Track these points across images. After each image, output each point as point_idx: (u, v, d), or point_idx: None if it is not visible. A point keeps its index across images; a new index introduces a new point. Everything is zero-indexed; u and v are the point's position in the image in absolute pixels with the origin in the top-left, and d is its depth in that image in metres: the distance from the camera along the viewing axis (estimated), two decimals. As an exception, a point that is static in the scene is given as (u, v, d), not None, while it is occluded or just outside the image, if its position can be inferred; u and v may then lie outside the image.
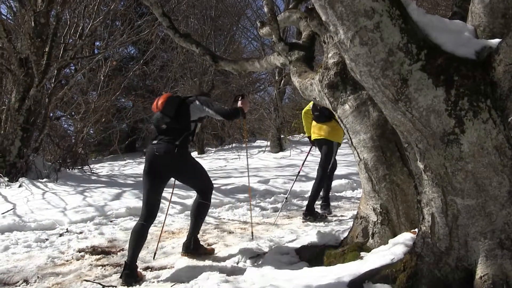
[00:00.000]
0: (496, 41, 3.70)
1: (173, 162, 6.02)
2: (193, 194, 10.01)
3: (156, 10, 8.04)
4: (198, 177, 6.37)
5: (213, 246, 6.80)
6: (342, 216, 8.86)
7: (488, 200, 3.66)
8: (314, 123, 9.13)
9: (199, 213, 6.39)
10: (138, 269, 5.64)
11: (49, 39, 13.73)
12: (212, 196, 6.54)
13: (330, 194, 9.47)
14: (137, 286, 5.31)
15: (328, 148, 8.79)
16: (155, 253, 6.38)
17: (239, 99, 6.73)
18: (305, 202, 9.35)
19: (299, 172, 10.22)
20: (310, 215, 8.47)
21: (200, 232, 6.65)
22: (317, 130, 9.06)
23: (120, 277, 5.52)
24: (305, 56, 6.65)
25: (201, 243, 6.57)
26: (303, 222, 8.42)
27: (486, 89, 3.59)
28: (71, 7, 15.65)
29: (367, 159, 5.42)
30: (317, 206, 8.99)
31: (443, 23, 3.94)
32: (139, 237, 5.76)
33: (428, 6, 18.68)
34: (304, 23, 7.06)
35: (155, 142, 6.08)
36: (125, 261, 5.64)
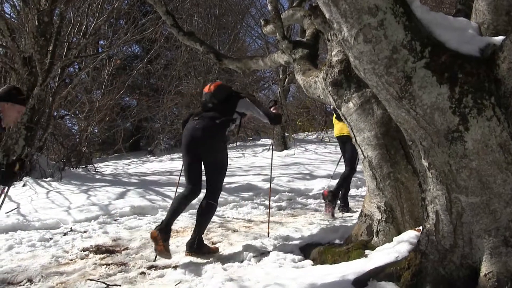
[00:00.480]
0: (500, 38, 3.69)
1: (208, 138, 6.32)
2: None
3: (160, 8, 8.06)
4: (219, 172, 6.50)
5: (217, 245, 6.78)
6: (346, 214, 8.86)
7: (493, 198, 3.65)
8: (336, 121, 9.31)
9: (205, 213, 6.43)
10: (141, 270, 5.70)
11: (53, 37, 13.77)
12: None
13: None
14: (142, 284, 5.30)
15: (351, 143, 9.03)
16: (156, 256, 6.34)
17: (273, 105, 7.10)
18: (310, 200, 9.40)
19: (335, 168, 10.42)
20: (332, 196, 8.67)
21: (205, 231, 6.66)
22: (339, 128, 9.33)
23: (155, 229, 6.00)
24: (309, 54, 6.66)
25: (205, 241, 6.56)
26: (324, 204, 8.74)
27: (490, 87, 3.58)
28: (74, 5, 15.69)
29: (371, 157, 5.42)
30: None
31: (447, 21, 3.93)
32: (178, 204, 6.30)
33: (432, 3, 18.69)
34: (308, 21, 7.07)
35: (196, 118, 6.49)
36: (161, 220, 6.17)
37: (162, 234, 5.90)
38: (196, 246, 6.31)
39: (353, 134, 5.64)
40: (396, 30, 3.50)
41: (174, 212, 6.20)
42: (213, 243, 6.89)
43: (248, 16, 27.07)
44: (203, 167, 6.51)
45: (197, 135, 6.32)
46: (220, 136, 6.40)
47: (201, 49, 8.41)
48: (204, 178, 6.47)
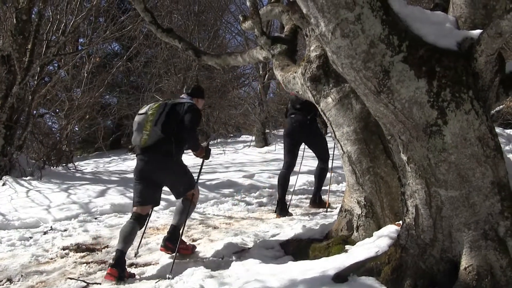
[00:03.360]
0: (477, 32, 3.71)
1: (304, 130, 8.72)
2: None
3: (138, 5, 8.00)
4: (322, 144, 9.00)
5: (198, 242, 6.77)
6: (327, 209, 8.85)
7: (472, 191, 3.67)
8: None
9: (320, 174, 9.08)
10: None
11: (32, 36, 13.61)
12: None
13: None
14: (122, 282, 5.26)
15: None
16: (137, 251, 6.29)
17: None
18: (290, 196, 9.43)
19: None
20: None
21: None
22: None
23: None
24: (287, 50, 6.64)
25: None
26: None
27: (468, 80, 3.60)
28: (53, 3, 15.52)
29: (350, 152, 5.43)
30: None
31: (425, 15, 3.94)
32: (285, 180, 8.72)
33: (410, -2, 18.68)
34: (287, 17, 7.06)
35: (292, 116, 8.88)
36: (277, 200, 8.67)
37: (280, 205, 8.45)
38: (318, 201, 9.13)
39: (332, 129, 5.63)
40: (373, 24, 3.50)
41: (283, 188, 8.63)
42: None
43: (228, 13, 27.04)
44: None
45: (296, 130, 8.76)
46: (311, 125, 8.77)
47: (180, 45, 8.36)
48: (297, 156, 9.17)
